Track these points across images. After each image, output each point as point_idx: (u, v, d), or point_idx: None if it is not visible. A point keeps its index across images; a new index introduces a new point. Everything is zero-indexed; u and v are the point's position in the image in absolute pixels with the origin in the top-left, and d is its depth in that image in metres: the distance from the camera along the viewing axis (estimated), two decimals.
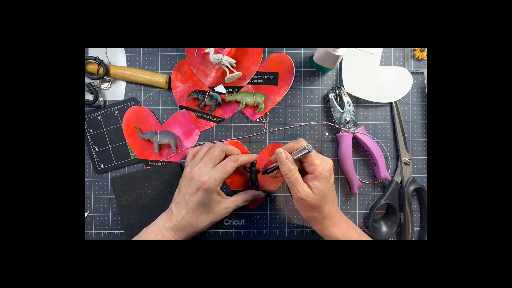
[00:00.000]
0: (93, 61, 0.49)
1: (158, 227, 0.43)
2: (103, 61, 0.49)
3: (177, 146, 0.49)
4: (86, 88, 0.50)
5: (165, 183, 0.50)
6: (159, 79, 0.49)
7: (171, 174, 0.50)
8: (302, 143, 0.41)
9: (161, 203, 0.49)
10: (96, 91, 0.49)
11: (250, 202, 0.48)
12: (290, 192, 0.50)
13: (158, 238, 0.42)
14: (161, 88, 0.50)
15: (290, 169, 0.40)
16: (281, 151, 0.40)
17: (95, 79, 0.50)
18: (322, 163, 0.40)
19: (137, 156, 0.50)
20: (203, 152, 0.45)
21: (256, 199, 0.49)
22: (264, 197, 0.49)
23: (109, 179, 0.51)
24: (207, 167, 0.42)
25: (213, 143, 0.49)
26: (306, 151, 0.39)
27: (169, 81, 0.50)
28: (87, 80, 0.50)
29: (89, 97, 0.50)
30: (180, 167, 0.50)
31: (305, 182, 0.40)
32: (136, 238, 0.44)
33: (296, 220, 0.50)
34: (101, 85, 0.50)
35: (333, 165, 0.41)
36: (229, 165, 0.43)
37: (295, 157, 0.40)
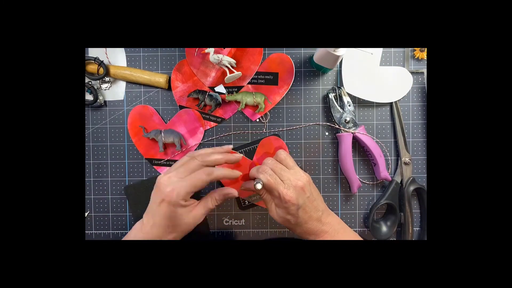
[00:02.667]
0: (93, 61, 0.49)
1: (130, 238, 0.41)
2: (103, 61, 0.49)
3: (181, 144, 0.49)
4: (86, 88, 0.50)
5: None
6: (159, 79, 0.49)
7: None
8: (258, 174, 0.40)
9: None
10: (95, 91, 0.49)
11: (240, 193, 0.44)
12: None
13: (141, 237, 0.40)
14: (161, 88, 0.50)
15: (260, 192, 0.41)
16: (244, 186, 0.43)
17: (95, 80, 0.50)
18: (280, 194, 0.38)
19: (143, 155, 0.50)
20: (184, 160, 0.41)
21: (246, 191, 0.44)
22: (236, 193, 0.42)
23: (109, 179, 0.51)
24: (177, 177, 0.38)
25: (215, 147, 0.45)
26: (259, 186, 0.39)
27: (169, 81, 0.50)
28: (87, 81, 0.50)
29: (88, 97, 0.50)
30: None
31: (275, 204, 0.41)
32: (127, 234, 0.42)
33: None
34: (101, 86, 0.50)
35: (300, 188, 0.39)
36: (200, 179, 0.38)
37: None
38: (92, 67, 0.49)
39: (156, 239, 0.39)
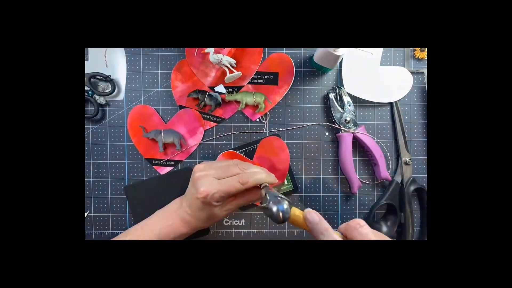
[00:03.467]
0: (104, 79, 0.49)
1: (171, 212, 0.43)
2: (113, 80, 0.50)
3: (181, 144, 0.49)
4: (89, 103, 0.50)
5: (178, 189, 0.50)
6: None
7: (185, 180, 0.50)
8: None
9: None
10: (97, 106, 0.50)
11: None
12: (291, 194, 0.50)
13: (169, 223, 0.42)
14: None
15: (326, 228, 0.34)
16: (312, 213, 0.35)
17: (104, 95, 0.50)
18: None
19: (143, 155, 0.50)
20: (228, 163, 0.41)
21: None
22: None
23: (109, 179, 0.51)
24: (213, 176, 0.39)
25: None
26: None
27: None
28: (89, 93, 0.50)
29: (87, 106, 0.50)
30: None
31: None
32: (147, 219, 0.44)
33: None
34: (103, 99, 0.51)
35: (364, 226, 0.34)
36: (234, 186, 0.38)
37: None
38: (102, 85, 0.50)
39: (196, 221, 0.41)
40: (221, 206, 0.40)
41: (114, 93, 0.50)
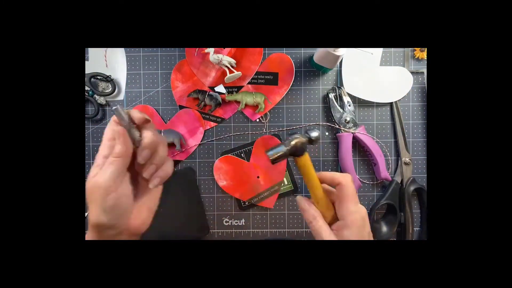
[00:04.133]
0: (105, 79, 0.49)
1: None
2: (114, 80, 0.50)
3: (181, 144, 0.49)
4: (89, 103, 0.50)
5: (179, 189, 0.50)
6: None
7: (185, 180, 0.50)
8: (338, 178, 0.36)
9: (176, 209, 0.49)
10: (98, 105, 0.50)
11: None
12: (291, 194, 0.50)
13: None
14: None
15: (314, 216, 0.35)
16: (301, 199, 0.37)
17: (105, 95, 0.50)
18: (357, 211, 0.34)
19: None
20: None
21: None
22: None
23: None
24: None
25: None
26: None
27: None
28: (89, 93, 0.50)
29: (88, 107, 0.50)
30: (195, 172, 0.50)
31: (333, 229, 0.35)
32: None
33: (296, 220, 0.50)
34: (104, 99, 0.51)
35: (367, 214, 0.35)
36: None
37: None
38: (102, 85, 0.50)
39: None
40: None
41: (115, 93, 0.50)
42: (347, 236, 0.34)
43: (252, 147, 0.50)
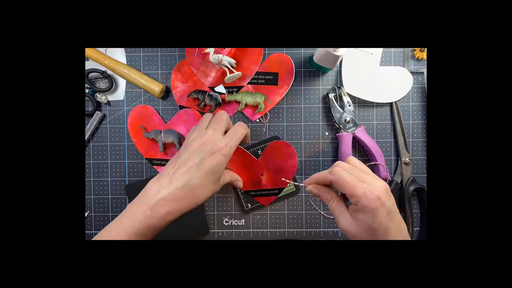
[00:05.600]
0: (101, 74, 0.49)
1: (147, 201, 0.36)
2: (111, 75, 0.50)
3: (181, 144, 0.49)
4: (87, 99, 0.50)
5: None
6: (155, 87, 0.49)
7: None
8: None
9: None
10: (97, 103, 0.50)
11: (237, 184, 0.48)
12: (292, 195, 0.50)
13: (147, 214, 0.35)
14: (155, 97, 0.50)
15: (327, 199, 0.36)
16: (310, 189, 0.38)
17: (102, 91, 0.50)
18: (365, 192, 0.32)
19: (143, 155, 0.50)
20: (207, 120, 0.42)
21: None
22: (241, 185, 0.48)
23: (109, 179, 0.51)
24: (218, 134, 0.40)
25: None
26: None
27: (164, 91, 0.50)
28: (87, 91, 0.50)
29: (88, 107, 0.50)
30: None
31: (351, 212, 0.34)
32: (119, 216, 0.36)
33: (296, 220, 0.50)
34: (101, 96, 0.51)
35: (385, 190, 0.33)
36: (241, 132, 0.42)
37: None
38: (100, 81, 0.51)
39: (190, 196, 0.37)
40: (224, 172, 0.42)
41: (112, 88, 0.50)
42: (363, 219, 0.32)
43: (254, 149, 0.50)
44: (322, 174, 0.37)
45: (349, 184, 0.33)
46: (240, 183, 0.47)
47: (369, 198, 0.32)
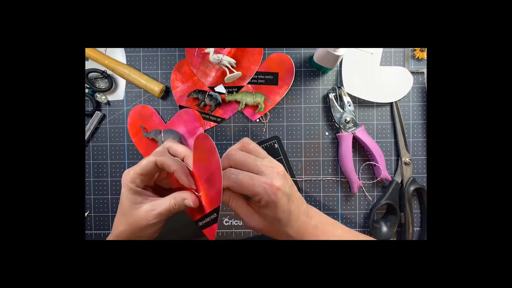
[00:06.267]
0: (101, 74, 0.49)
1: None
2: (110, 75, 0.50)
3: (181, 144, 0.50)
4: (87, 99, 0.50)
5: None
6: (154, 87, 0.49)
7: None
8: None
9: None
10: (96, 103, 0.50)
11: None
12: None
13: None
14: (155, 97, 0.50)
15: (226, 200, 0.33)
16: (188, 203, 0.33)
17: (102, 91, 0.50)
18: (265, 189, 0.30)
19: (143, 155, 0.50)
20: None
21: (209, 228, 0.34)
22: (191, 203, 0.33)
23: (109, 179, 0.51)
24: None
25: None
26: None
27: (164, 91, 0.50)
28: (87, 91, 0.50)
29: (88, 107, 0.50)
30: None
31: (253, 207, 0.34)
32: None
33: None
34: (101, 96, 0.51)
35: (283, 176, 0.32)
36: (149, 161, 0.34)
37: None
38: (99, 81, 0.51)
39: (113, 235, 0.36)
40: (140, 199, 0.34)
41: (112, 88, 0.50)
42: (267, 213, 0.32)
43: None
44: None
45: (247, 184, 0.31)
46: (188, 201, 0.33)
47: (269, 193, 0.31)
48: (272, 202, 0.31)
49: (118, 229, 0.35)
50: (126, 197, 0.34)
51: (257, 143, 0.49)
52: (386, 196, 0.48)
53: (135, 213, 0.34)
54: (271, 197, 0.31)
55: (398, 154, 0.49)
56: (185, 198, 0.34)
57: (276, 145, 0.50)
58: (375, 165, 0.49)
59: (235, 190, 0.33)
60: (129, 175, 0.34)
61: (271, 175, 0.32)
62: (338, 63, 0.47)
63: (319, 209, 0.50)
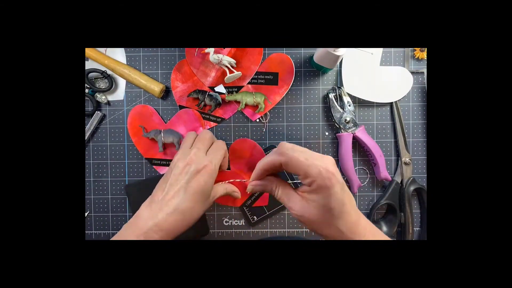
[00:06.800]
0: (101, 74, 0.49)
1: (140, 226, 0.36)
2: (110, 75, 0.50)
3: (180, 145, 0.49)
4: (87, 99, 0.50)
5: None
6: (154, 87, 0.49)
7: None
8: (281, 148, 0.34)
9: None
10: (97, 103, 0.50)
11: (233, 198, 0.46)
12: None
13: (140, 239, 0.35)
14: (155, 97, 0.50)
15: (272, 190, 0.36)
16: (250, 187, 0.39)
17: (102, 92, 0.50)
18: (320, 172, 0.31)
19: (143, 155, 0.50)
20: (191, 139, 0.43)
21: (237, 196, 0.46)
22: (239, 194, 0.46)
23: (109, 179, 0.51)
24: (202, 152, 0.40)
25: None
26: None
27: (164, 91, 0.50)
28: (87, 91, 0.50)
29: (88, 107, 0.50)
30: None
31: (301, 194, 0.34)
32: (113, 238, 0.37)
33: (296, 220, 0.50)
34: (101, 96, 0.51)
35: (334, 164, 0.33)
36: (223, 148, 0.42)
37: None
38: (100, 81, 0.51)
39: (181, 220, 0.36)
40: (213, 188, 0.40)
41: (112, 88, 0.50)
42: (317, 200, 0.31)
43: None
44: (270, 160, 0.35)
45: (303, 163, 0.31)
46: (237, 193, 0.45)
47: (324, 177, 0.30)
48: (325, 187, 0.30)
49: (194, 217, 0.38)
50: (211, 185, 0.39)
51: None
52: (386, 196, 0.48)
53: (211, 197, 0.40)
54: (325, 181, 0.30)
55: (398, 154, 0.49)
56: (235, 190, 0.44)
57: None
58: (375, 165, 0.49)
59: (288, 168, 0.33)
60: (216, 167, 0.39)
61: (325, 161, 0.32)
62: (338, 63, 0.47)
63: None
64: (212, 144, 0.43)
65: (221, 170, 0.44)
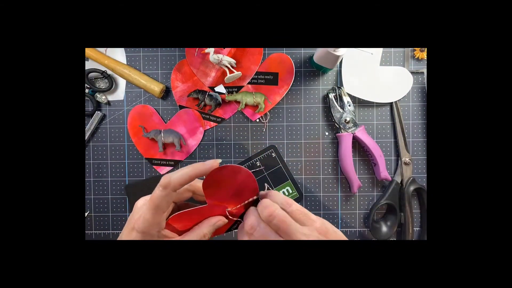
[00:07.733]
0: (101, 74, 0.49)
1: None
2: (110, 75, 0.50)
3: (181, 144, 0.49)
4: (87, 99, 0.50)
5: None
6: (154, 87, 0.49)
7: None
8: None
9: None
10: (97, 103, 0.50)
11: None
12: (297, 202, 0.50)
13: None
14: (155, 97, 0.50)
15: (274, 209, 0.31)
16: (220, 224, 0.33)
17: (102, 91, 0.50)
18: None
19: (143, 155, 0.50)
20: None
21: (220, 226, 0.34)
22: (225, 219, 0.34)
23: (109, 179, 0.51)
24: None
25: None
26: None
27: (164, 91, 0.50)
28: (87, 91, 0.50)
29: (88, 107, 0.50)
30: None
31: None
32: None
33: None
34: (101, 96, 0.51)
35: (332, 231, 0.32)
36: (192, 166, 0.31)
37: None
38: (100, 81, 0.51)
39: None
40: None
41: (112, 88, 0.50)
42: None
43: (255, 160, 0.50)
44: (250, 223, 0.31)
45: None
46: (221, 221, 0.34)
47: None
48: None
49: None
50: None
51: (255, 152, 0.49)
52: (386, 196, 0.48)
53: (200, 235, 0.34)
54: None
55: (398, 154, 0.49)
56: (219, 220, 0.34)
57: (274, 154, 0.50)
58: (375, 165, 0.49)
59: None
60: (173, 179, 0.31)
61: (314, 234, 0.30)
62: (338, 63, 0.47)
63: (319, 209, 0.50)
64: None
65: (198, 207, 0.33)
